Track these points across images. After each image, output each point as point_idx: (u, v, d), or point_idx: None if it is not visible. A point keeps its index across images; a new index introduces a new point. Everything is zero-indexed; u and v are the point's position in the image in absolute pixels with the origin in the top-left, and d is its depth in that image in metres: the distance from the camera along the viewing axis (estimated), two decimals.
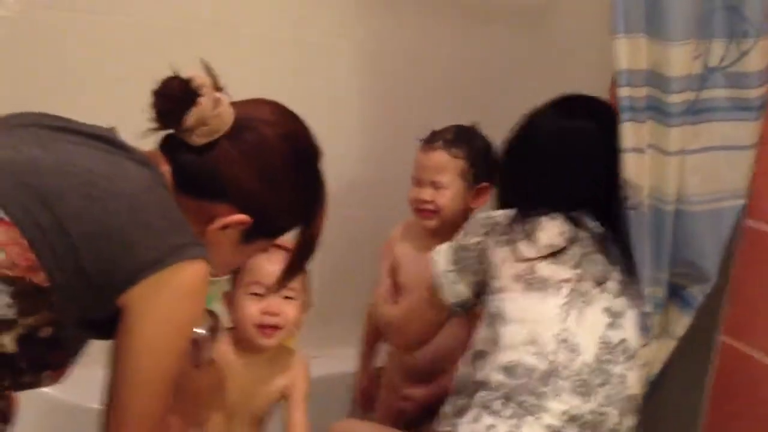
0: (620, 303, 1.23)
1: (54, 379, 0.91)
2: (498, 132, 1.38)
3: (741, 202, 1.37)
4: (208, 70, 0.97)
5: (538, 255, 1.21)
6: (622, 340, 1.21)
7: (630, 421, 1.23)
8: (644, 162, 1.27)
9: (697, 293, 1.39)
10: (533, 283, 1.20)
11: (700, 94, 1.31)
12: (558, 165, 1.30)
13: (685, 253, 1.35)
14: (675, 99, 1.27)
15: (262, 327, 1.28)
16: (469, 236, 1.30)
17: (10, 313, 0.80)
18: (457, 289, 1.31)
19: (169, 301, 0.89)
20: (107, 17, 1.49)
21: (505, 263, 1.24)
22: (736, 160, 1.35)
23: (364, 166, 1.36)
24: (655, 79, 1.26)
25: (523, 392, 1.15)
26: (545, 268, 1.21)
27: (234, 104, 0.99)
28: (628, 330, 1.22)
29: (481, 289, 1.29)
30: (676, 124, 1.28)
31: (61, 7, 1.47)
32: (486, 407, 1.17)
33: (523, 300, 1.20)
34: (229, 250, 1.02)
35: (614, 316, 1.22)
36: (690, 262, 1.36)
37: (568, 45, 1.40)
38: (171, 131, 0.98)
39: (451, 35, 1.34)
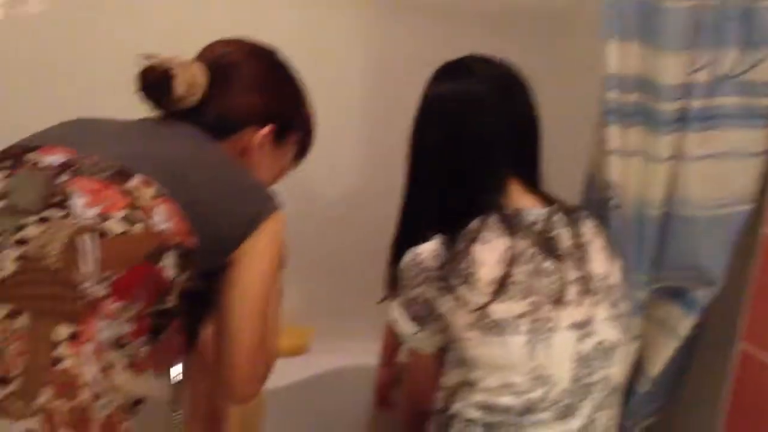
0: (584, 308, 1.18)
1: (175, 334, 1.08)
2: None
3: (748, 207, 1.38)
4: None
5: (484, 301, 1.14)
6: (597, 344, 1.18)
7: (616, 408, 1.25)
8: (630, 166, 1.31)
9: (702, 297, 1.40)
10: (489, 329, 1.14)
11: (710, 102, 1.33)
12: (473, 138, 1.21)
13: (687, 257, 1.38)
14: (667, 107, 1.30)
15: None
16: (408, 289, 1.21)
17: (175, 272, 0.96)
18: (431, 342, 1.24)
19: (269, 248, 1.07)
20: (131, 19, 1.62)
21: (453, 314, 1.16)
22: (745, 167, 1.36)
23: (375, 166, 1.39)
24: (647, 86, 1.30)
25: (502, 426, 1.15)
26: (496, 310, 1.14)
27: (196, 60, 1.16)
28: (600, 330, 1.19)
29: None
30: (667, 132, 1.31)
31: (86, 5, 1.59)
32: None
33: (484, 348, 1.15)
34: (271, 161, 1.22)
35: (581, 326, 1.17)
36: (692, 266, 1.38)
37: (590, 53, 1.43)
38: (171, 109, 1.13)
39: (467, 43, 1.38)
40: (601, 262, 1.23)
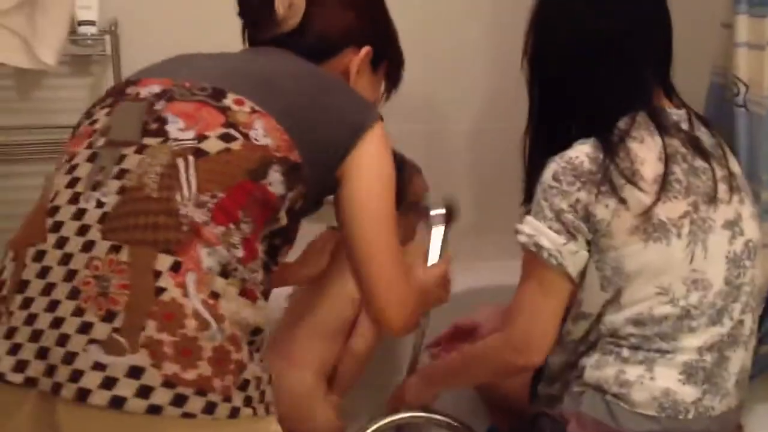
0: (733, 206, 1.16)
1: (284, 257, 1.06)
2: None
3: None
4: None
5: (649, 201, 1.09)
6: (746, 243, 1.16)
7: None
8: (763, 59, 1.23)
9: None
10: (653, 233, 1.10)
11: None
12: (618, 44, 1.16)
13: None
14: None
15: None
16: (561, 196, 1.11)
17: (282, 189, 0.96)
18: (578, 259, 1.14)
19: (379, 158, 1.05)
20: None
21: (615, 218, 1.10)
22: None
23: (510, 79, 1.37)
24: None
25: (655, 340, 1.13)
26: (661, 211, 1.10)
27: None
28: (747, 228, 1.17)
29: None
30: None
31: None
32: (611, 353, 1.14)
33: (646, 253, 1.10)
34: (369, 86, 1.22)
35: (733, 225, 1.15)
36: None
37: None
38: (269, 37, 1.14)
39: None
40: (735, 161, 1.21)
